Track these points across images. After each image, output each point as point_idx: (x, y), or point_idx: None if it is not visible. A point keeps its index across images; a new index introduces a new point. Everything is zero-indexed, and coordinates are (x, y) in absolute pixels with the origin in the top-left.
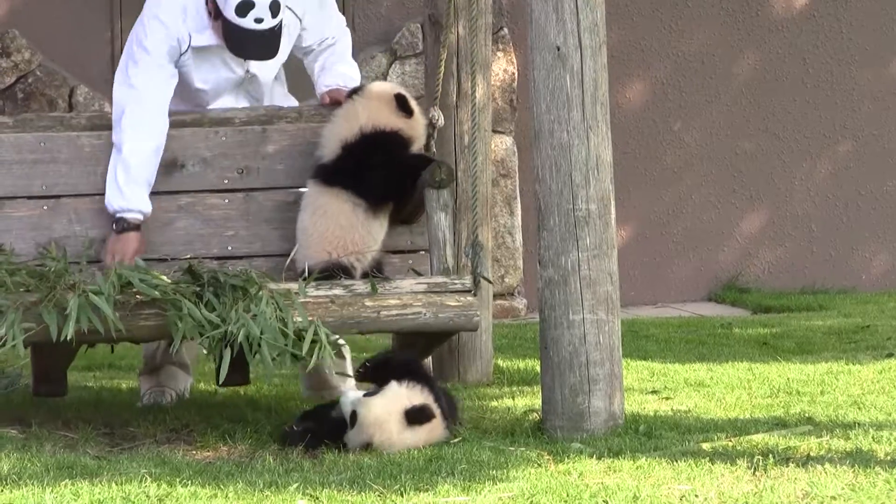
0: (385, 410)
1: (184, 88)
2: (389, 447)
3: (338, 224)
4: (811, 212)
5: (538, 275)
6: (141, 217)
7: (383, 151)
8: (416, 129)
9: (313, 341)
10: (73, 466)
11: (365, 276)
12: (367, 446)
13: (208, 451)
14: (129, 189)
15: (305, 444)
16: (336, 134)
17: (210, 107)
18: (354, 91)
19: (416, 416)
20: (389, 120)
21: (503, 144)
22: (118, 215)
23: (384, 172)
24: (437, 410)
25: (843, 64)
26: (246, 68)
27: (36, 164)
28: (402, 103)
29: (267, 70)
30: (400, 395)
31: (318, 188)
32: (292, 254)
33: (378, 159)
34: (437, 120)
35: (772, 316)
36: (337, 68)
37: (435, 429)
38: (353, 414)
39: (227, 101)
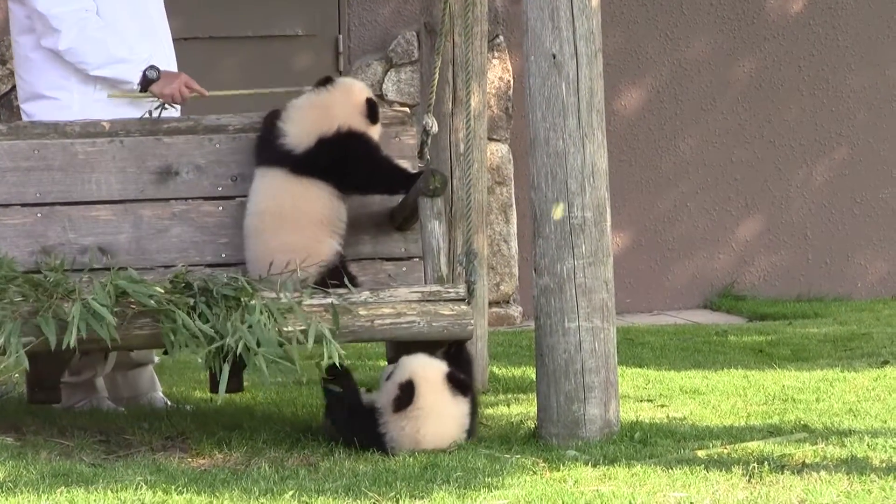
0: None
1: None
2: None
3: (325, 208)
4: (807, 219)
5: (533, 282)
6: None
7: (365, 150)
8: (375, 136)
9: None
10: (69, 474)
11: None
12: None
13: (204, 458)
14: (135, 55)
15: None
16: (311, 125)
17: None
18: (326, 81)
19: (458, 382)
20: (361, 124)
21: (499, 152)
22: (149, 67)
23: (371, 166)
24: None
25: (839, 71)
26: None
27: (30, 172)
28: (371, 111)
29: None
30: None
31: (289, 176)
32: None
33: (363, 154)
34: (431, 127)
35: (767, 323)
36: None
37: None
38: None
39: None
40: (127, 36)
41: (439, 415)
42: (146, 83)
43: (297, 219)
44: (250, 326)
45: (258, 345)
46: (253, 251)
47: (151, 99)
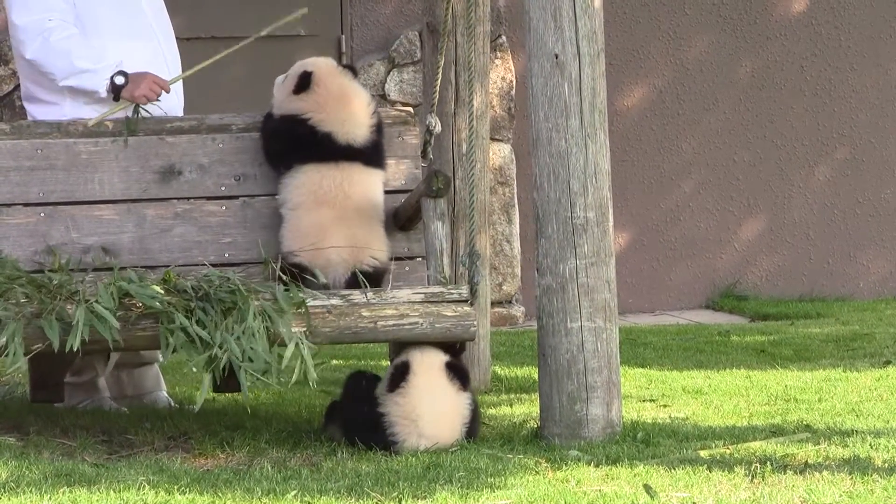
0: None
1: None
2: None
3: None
4: (809, 219)
5: (536, 282)
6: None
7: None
8: None
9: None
10: (72, 474)
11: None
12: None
13: (206, 458)
14: (101, 64)
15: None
16: (360, 117)
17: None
18: (305, 81)
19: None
20: (359, 85)
21: (501, 152)
22: (117, 73)
23: None
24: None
25: (841, 71)
26: None
27: (33, 171)
28: (353, 70)
29: None
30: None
31: (363, 169)
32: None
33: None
34: (435, 126)
35: (769, 323)
36: None
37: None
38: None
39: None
40: (105, 38)
41: (435, 396)
42: (116, 90)
43: (372, 210)
44: (238, 338)
45: (247, 355)
46: (332, 242)
47: (127, 105)
